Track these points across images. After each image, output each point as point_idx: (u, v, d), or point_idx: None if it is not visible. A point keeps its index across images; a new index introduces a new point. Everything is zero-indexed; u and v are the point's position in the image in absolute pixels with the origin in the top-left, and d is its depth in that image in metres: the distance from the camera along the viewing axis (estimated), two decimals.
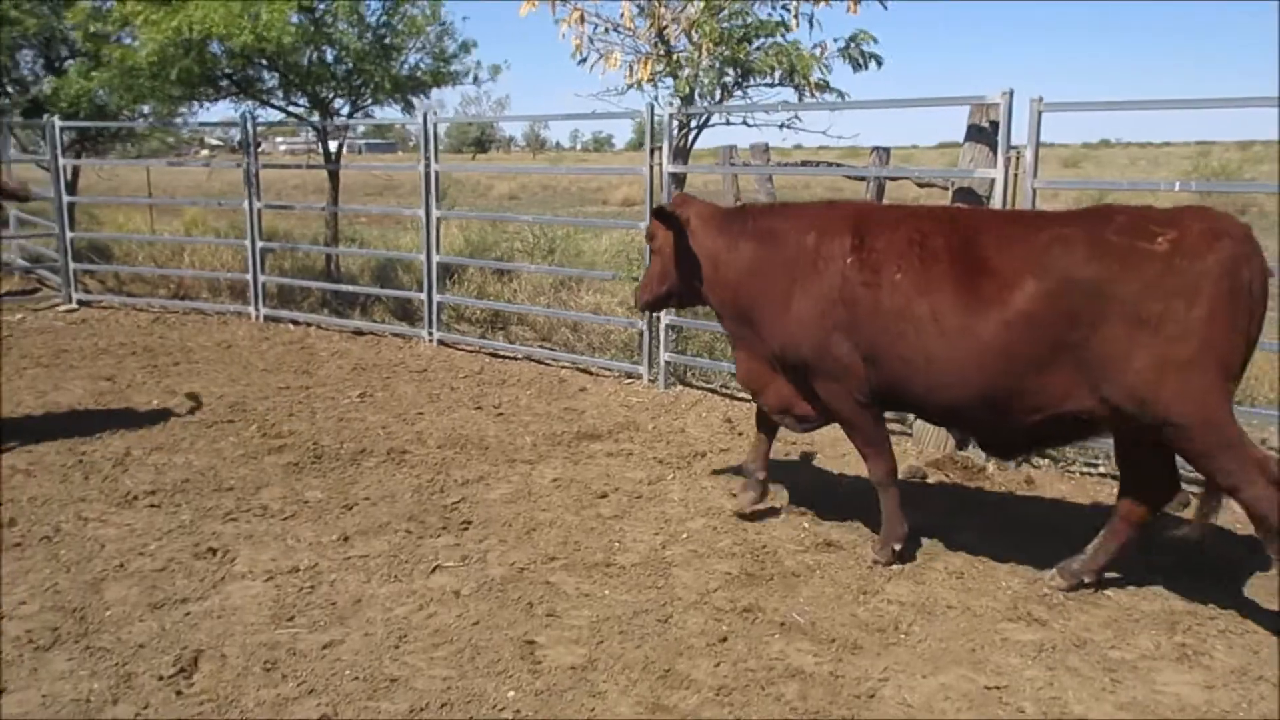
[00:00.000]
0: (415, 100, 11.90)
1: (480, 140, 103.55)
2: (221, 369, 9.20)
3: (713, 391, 8.54)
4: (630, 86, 8.85)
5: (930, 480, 6.49)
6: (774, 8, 8.61)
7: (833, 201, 5.40)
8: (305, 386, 8.59)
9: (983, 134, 6.72)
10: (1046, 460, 6.78)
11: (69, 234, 12.36)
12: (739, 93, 8.90)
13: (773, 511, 5.78)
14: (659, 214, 5.44)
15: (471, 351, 10.00)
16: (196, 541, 5.26)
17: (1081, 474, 6.60)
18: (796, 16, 8.55)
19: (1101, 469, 6.63)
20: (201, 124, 13.39)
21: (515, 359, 9.70)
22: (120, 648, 4.17)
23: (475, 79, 11.67)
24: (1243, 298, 4.05)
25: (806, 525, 5.64)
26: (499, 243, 14.50)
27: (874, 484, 5.14)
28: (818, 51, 8.44)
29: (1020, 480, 6.42)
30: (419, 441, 7.09)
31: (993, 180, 6.56)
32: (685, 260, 5.37)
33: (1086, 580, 4.76)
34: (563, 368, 9.41)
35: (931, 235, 4.58)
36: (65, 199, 12.36)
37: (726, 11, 8.45)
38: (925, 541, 5.38)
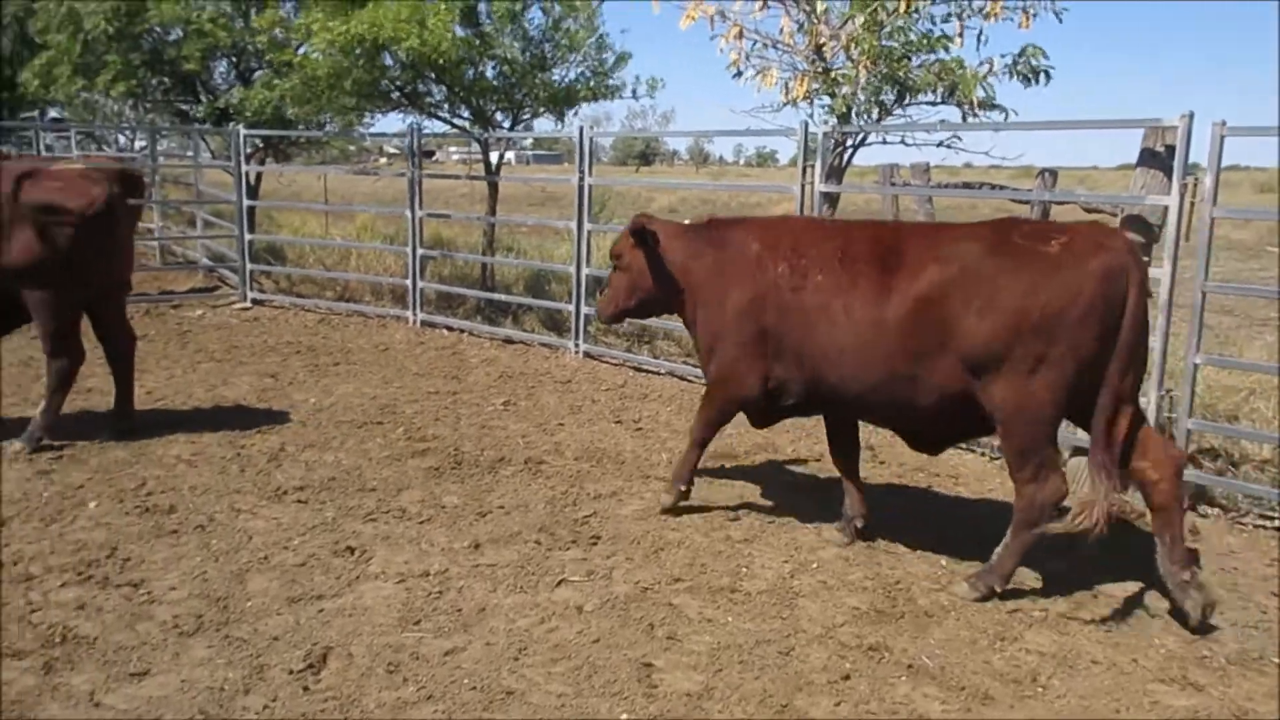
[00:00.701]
0: (572, 113, 12.11)
1: (644, 154, 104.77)
2: (376, 371, 9.53)
3: None
4: (786, 104, 8.75)
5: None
6: (936, 23, 8.36)
7: (783, 216, 6.18)
8: (453, 392, 8.81)
9: (1157, 159, 6.31)
10: (1216, 510, 6.30)
11: (248, 236, 13.08)
12: (897, 111, 8.67)
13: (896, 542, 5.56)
14: (634, 232, 5.79)
15: (615, 365, 10.05)
16: (336, 539, 5.43)
17: (1255, 526, 6.11)
18: (961, 33, 8.27)
19: (1278, 523, 6.12)
20: (374, 134, 13.93)
21: (658, 374, 9.69)
22: (256, 639, 4.32)
23: (634, 93, 11.78)
24: (1117, 303, 4.45)
25: (944, 563, 5.39)
26: None
27: (691, 439, 5.84)
28: (983, 68, 8.13)
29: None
30: (557, 452, 7.15)
31: (1165, 207, 6.15)
32: (658, 275, 5.79)
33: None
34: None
35: (857, 242, 5.08)
36: (246, 203, 13.08)
37: (889, 28, 8.24)
38: (1070, 589, 5.07)
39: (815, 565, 5.32)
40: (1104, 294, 4.44)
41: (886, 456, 7.28)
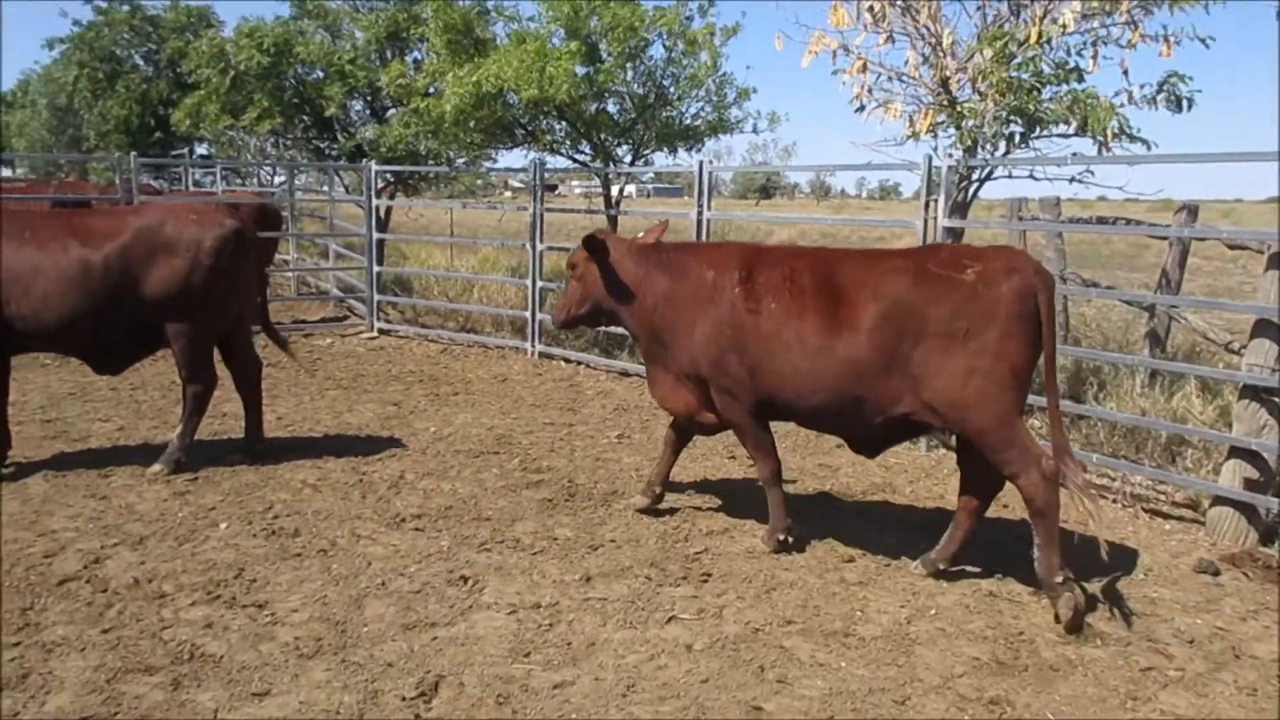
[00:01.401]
0: (691, 148, 12.18)
1: (765, 187, 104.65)
2: (494, 401, 9.70)
3: None
4: (909, 137, 8.61)
5: (1223, 578, 5.77)
6: (1071, 53, 8.11)
7: (728, 242, 6.52)
8: (568, 424, 8.89)
9: None
10: None
11: (376, 268, 13.53)
12: (1025, 144, 8.43)
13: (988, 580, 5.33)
14: (588, 243, 6.19)
15: None
16: (451, 568, 5.51)
17: None
18: (1095, 59, 8.01)
19: None
20: (498, 169, 14.28)
21: None
22: (371, 664, 4.40)
23: (754, 128, 11.78)
24: (1031, 319, 4.97)
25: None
26: None
27: (760, 482, 6.03)
28: (1119, 99, 7.86)
29: None
30: (670, 487, 7.11)
31: None
32: (609, 286, 6.14)
33: (942, 567, 5.55)
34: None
35: (800, 271, 5.48)
36: (376, 236, 13.53)
37: (1019, 59, 8.04)
38: (1211, 648, 4.77)
39: (933, 611, 5.15)
40: (1020, 311, 4.96)
41: (1011, 500, 7.02)
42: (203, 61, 15.07)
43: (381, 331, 13.46)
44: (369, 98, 16.18)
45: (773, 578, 5.51)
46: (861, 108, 8.79)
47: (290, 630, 4.72)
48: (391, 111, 15.77)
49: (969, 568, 5.73)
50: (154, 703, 4.04)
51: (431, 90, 12.40)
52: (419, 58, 13.86)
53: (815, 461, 7.91)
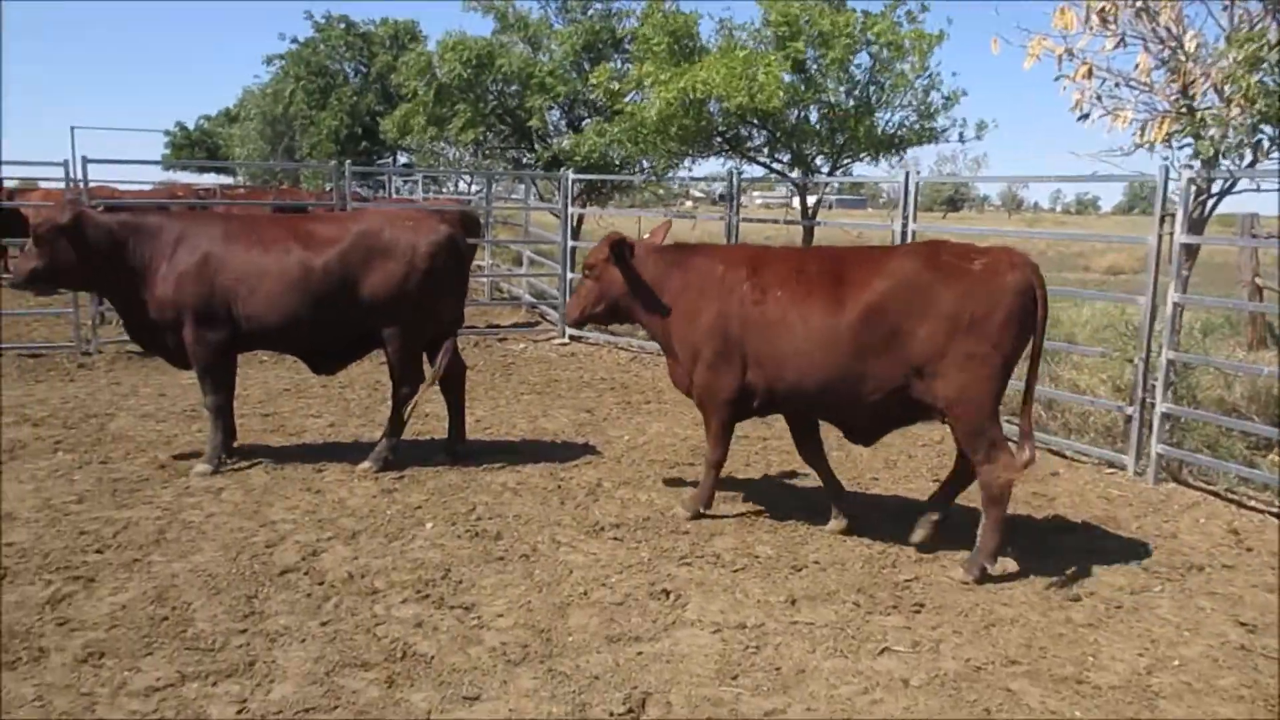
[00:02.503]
0: (891, 157, 11.80)
1: (952, 199, 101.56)
2: (686, 411, 9.59)
3: (1215, 495, 7.40)
4: (1139, 147, 8.02)
5: None
6: None
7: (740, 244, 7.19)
8: (763, 438, 8.70)
9: None
10: None
11: (570, 275, 13.71)
12: (1275, 154, 7.71)
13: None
14: (614, 246, 6.40)
15: None
16: (652, 581, 5.42)
17: None
18: None
19: None
20: (693, 178, 14.27)
21: None
22: (578, 675, 4.35)
23: (960, 136, 11.30)
24: (1027, 313, 5.39)
25: None
26: None
27: (706, 464, 6.51)
28: None
29: None
30: (872, 508, 6.83)
31: None
32: (632, 286, 6.40)
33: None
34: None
35: (808, 263, 5.92)
36: (569, 243, 13.73)
37: (1268, 63, 7.35)
38: None
39: (1176, 663, 4.69)
40: (1019, 304, 5.35)
41: (1257, 543, 6.39)
42: (411, 75, 15.70)
43: (572, 338, 13.63)
44: (566, 108, 16.48)
45: (991, 612, 5.17)
46: (1085, 115, 8.26)
47: (497, 635, 4.73)
48: (587, 121, 16.00)
49: (1213, 621, 5.22)
50: (370, 699, 4.10)
51: (636, 97, 12.48)
52: (616, 66, 13.99)
53: (1028, 489, 7.44)
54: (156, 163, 40.60)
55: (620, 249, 6.42)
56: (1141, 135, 7.84)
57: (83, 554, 5.55)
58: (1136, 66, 8.04)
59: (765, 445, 8.49)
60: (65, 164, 11.32)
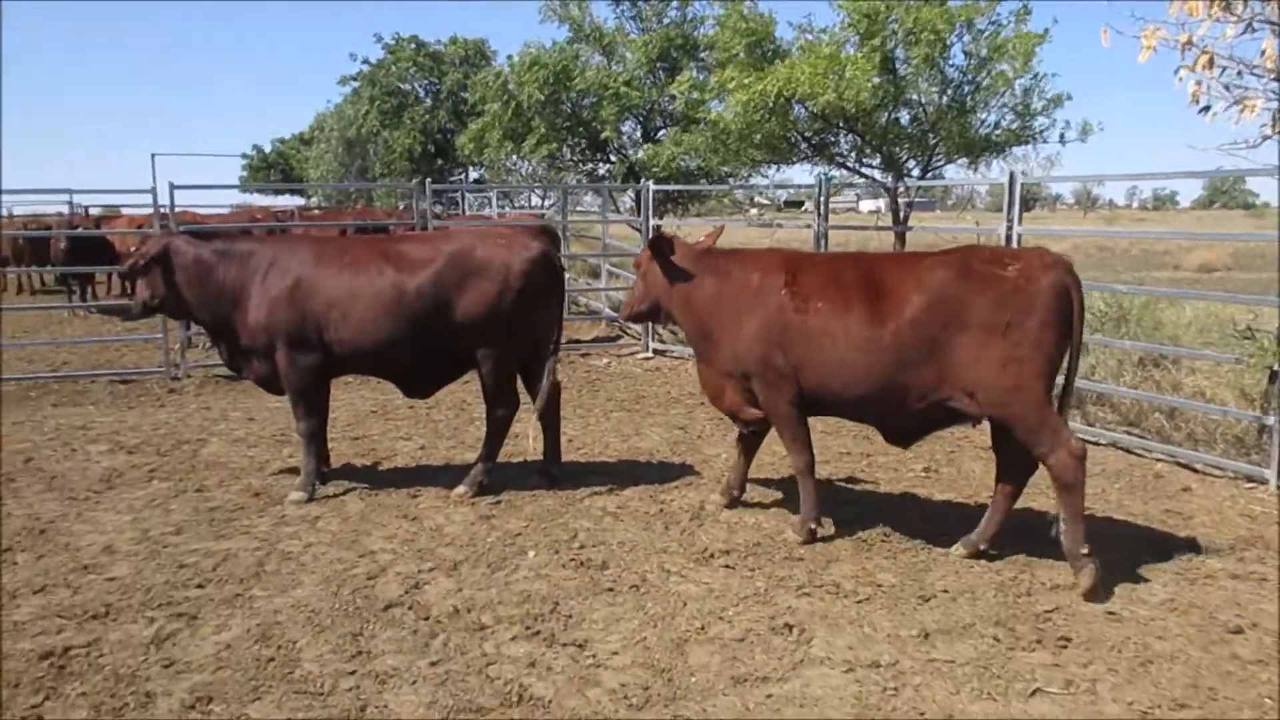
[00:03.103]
0: (989, 159, 11.33)
1: (1025, 199, 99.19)
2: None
3: None
4: (1268, 139, 7.50)
5: None
6: None
7: (772, 249, 7.01)
8: (866, 454, 8.34)
9: None
10: None
11: None
12: None
13: None
14: (653, 244, 6.51)
15: None
16: (772, 614, 5.11)
17: None
18: None
19: None
20: (778, 186, 13.93)
21: (1098, 444, 8.61)
22: None
23: (1061, 137, 10.78)
24: (1065, 313, 5.38)
25: None
26: None
27: (794, 471, 6.27)
28: None
29: None
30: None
31: None
32: (668, 285, 6.47)
33: (983, 548, 5.91)
34: (1157, 460, 8.17)
35: (845, 270, 5.88)
36: None
37: None
38: None
39: None
40: (1056, 305, 5.36)
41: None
42: (488, 94, 15.61)
43: (656, 352, 13.38)
44: (642, 119, 16.27)
45: (1146, 647, 4.76)
46: (1206, 108, 7.75)
47: (615, 675, 4.47)
48: (663, 131, 15.77)
49: None
50: None
51: (717, 105, 12.21)
52: (695, 76, 13.73)
53: (1159, 507, 6.97)
54: (235, 186, 41.45)
55: (660, 246, 6.48)
56: (1274, 126, 7.31)
57: (184, 589, 5.42)
58: (1263, 53, 7.53)
59: (870, 461, 8.13)
60: (152, 191, 11.38)
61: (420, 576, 5.61)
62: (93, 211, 24.49)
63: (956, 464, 8.05)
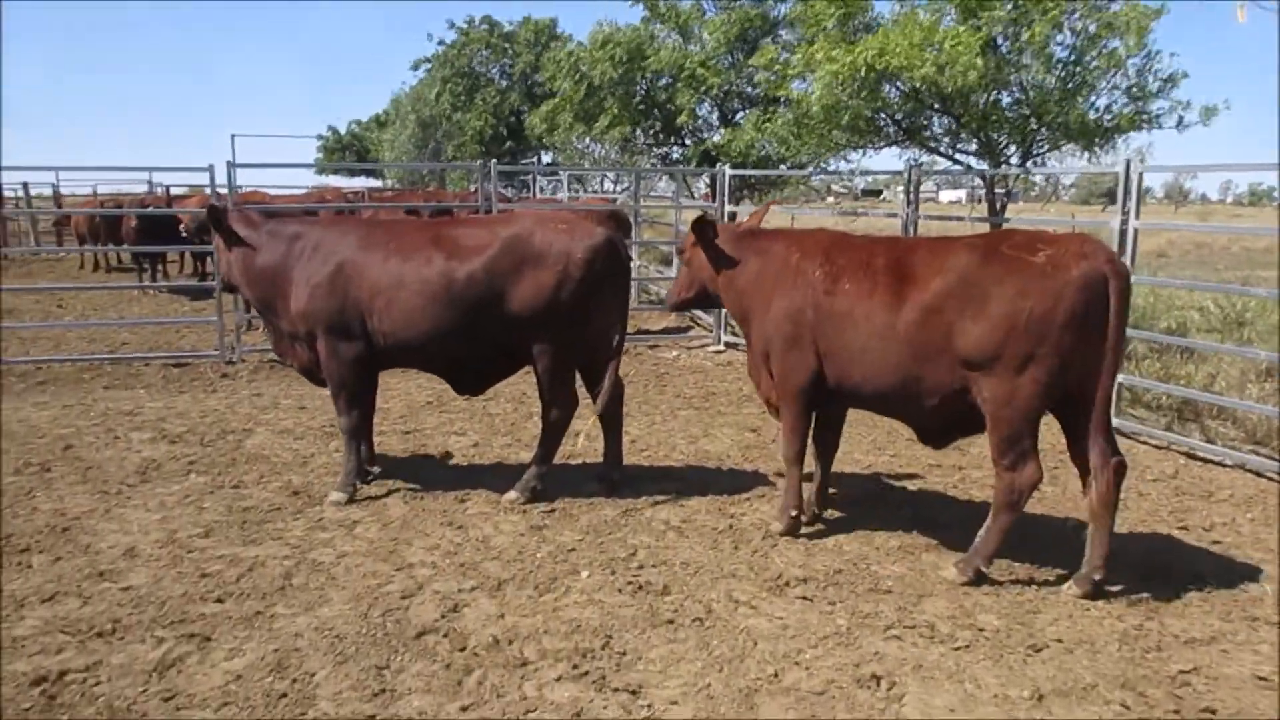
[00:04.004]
0: (1096, 146, 10.39)
1: (1110, 191, 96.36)
2: (866, 432, 8.53)
3: None
4: None
5: None
6: None
7: (816, 229, 6.42)
8: (958, 465, 7.56)
9: None
10: None
11: None
12: None
13: None
14: (695, 227, 6.27)
15: (1158, 448, 8.22)
16: (857, 661, 4.42)
17: None
18: None
19: None
20: (863, 172, 13.11)
21: (1222, 465, 7.71)
22: None
23: (1180, 121, 9.79)
24: (1096, 311, 4.87)
25: None
26: (1166, 310, 12.27)
27: (781, 458, 6.04)
28: None
29: None
30: (1113, 561, 5.63)
31: None
32: (719, 267, 6.19)
33: (1097, 579, 5.15)
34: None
35: (878, 254, 5.52)
36: None
37: None
38: None
39: None
40: (1084, 300, 4.83)
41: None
42: (559, 73, 15.02)
43: (728, 345, 12.70)
44: (719, 102, 15.55)
45: None
46: None
47: None
48: (741, 114, 15.05)
49: None
50: None
51: (800, 85, 11.42)
52: (779, 53, 12.96)
53: None
54: (297, 165, 41.19)
55: (702, 229, 6.26)
56: None
57: (201, 603, 4.92)
58: None
59: (963, 475, 7.36)
60: (210, 168, 11.02)
61: (460, 597, 5.04)
62: (174, 191, 24.52)
63: (1059, 479, 7.23)
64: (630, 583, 5.25)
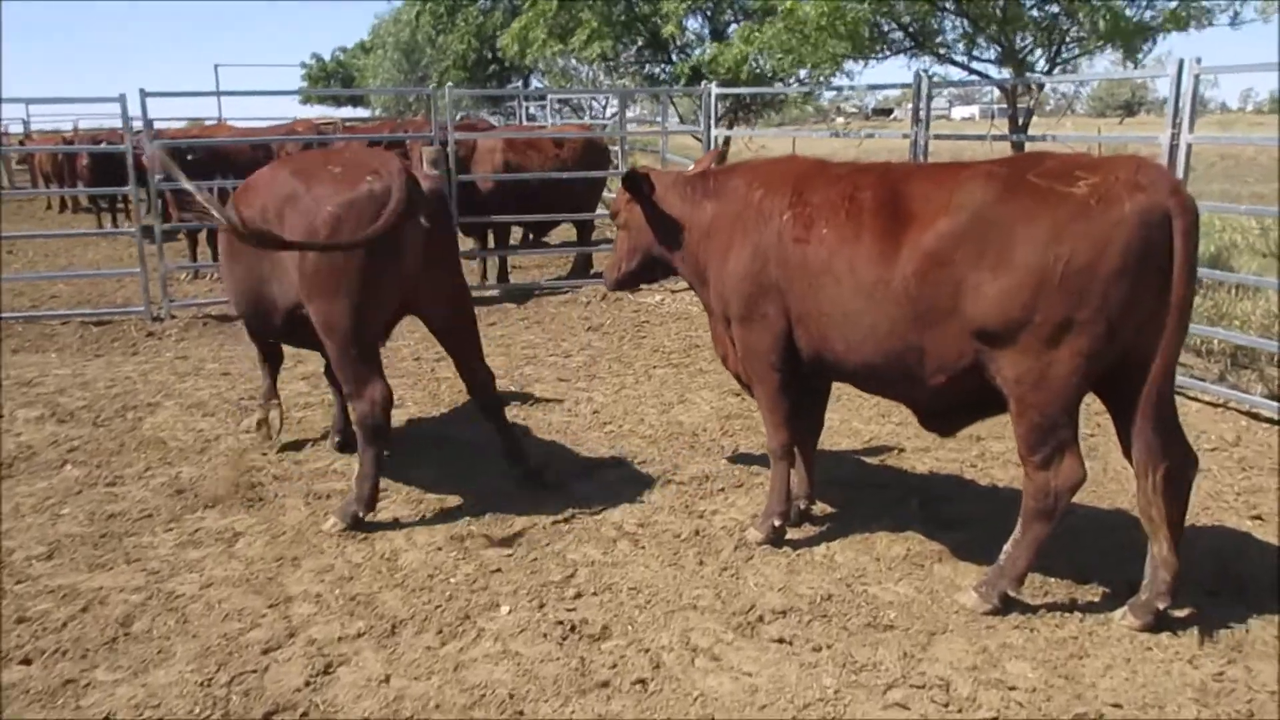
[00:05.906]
0: (1132, 48, 9.00)
1: (1129, 103, 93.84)
2: (864, 396, 7.32)
3: None
4: None
5: None
6: None
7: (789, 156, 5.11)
8: (976, 436, 6.33)
9: None
10: None
11: None
12: None
13: None
14: (627, 182, 5.14)
15: (1213, 405, 7.00)
16: None
17: None
18: None
19: None
20: (870, 86, 11.75)
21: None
22: None
23: (1234, 16, 8.39)
24: (1158, 257, 3.68)
25: None
26: (1204, 235, 10.95)
27: (768, 452, 4.88)
28: None
29: None
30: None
31: None
32: (655, 228, 5.12)
33: (1161, 608, 4.02)
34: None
35: (862, 188, 4.34)
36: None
37: None
38: None
39: None
40: (1141, 244, 3.65)
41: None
42: None
43: None
44: (709, 14, 14.11)
45: None
46: None
47: None
48: (733, 27, 13.62)
49: None
50: None
51: None
52: None
53: None
54: (215, 94, 37.25)
55: (635, 183, 5.13)
56: None
57: (4, 666, 3.81)
58: None
59: (982, 449, 6.17)
60: (121, 97, 9.69)
61: (337, 650, 3.92)
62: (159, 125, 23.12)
63: (1100, 456, 6.03)
64: (560, 623, 4.11)
